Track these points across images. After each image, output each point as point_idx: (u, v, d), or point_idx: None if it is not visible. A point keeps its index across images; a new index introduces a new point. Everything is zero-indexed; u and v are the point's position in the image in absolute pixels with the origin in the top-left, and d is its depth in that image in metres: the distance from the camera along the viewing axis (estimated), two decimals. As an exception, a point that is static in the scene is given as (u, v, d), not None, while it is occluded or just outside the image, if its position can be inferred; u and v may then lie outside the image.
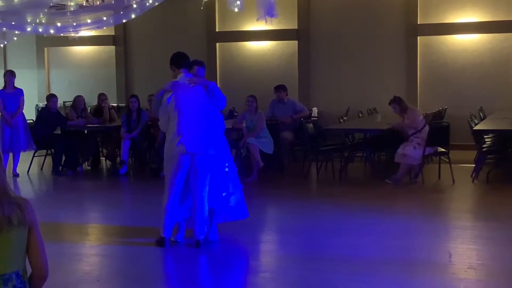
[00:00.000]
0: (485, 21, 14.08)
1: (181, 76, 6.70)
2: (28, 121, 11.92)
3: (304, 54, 15.36)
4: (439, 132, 10.26)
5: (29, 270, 2.84)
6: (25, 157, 11.95)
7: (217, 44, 16.01)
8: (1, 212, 2.68)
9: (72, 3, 12.02)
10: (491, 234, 7.11)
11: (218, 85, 15.93)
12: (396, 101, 10.37)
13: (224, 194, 6.75)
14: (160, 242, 6.59)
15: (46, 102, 12.41)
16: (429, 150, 10.16)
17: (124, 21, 13.30)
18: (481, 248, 6.63)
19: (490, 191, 9.65)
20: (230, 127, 11.65)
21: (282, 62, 15.62)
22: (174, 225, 6.64)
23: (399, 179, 10.05)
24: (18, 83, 11.80)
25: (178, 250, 6.52)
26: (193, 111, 6.56)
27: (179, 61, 6.79)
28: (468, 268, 5.82)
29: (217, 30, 15.97)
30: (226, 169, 6.79)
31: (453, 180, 10.07)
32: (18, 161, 11.62)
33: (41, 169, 12.24)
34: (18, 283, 2.74)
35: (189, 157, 6.51)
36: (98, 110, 12.84)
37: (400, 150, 10.12)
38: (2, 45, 15.67)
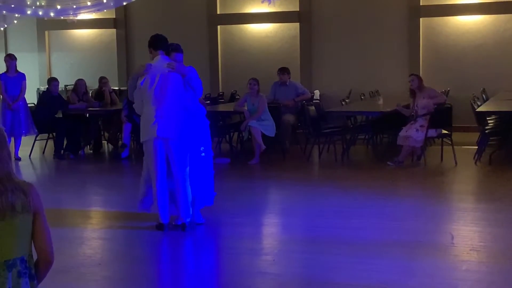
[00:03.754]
0: (488, 2, 13.99)
1: (157, 59, 6.60)
2: (29, 105, 11.89)
3: (305, 37, 15.28)
4: (442, 114, 10.22)
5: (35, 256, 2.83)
6: (27, 141, 11.94)
7: (218, 26, 15.93)
8: (5, 199, 2.66)
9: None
10: (494, 216, 7.10)
11: (219, 68, 16.02)
12: (417, 76, 10.46)
13: (197, 179, 6.70)
14: (160, 227, 6.58)
15: (47, 86, 12.38)
16: (432, 132, 10.13)
17: (124, 3, 13.27)
18: (483, 230, 6.62)
19: (492, 173, 9.62)
20: (232, 110, 11.65)
21: (284, 44, 15.55)
22: (168, 210, 6.61)
23: (401, 161, 10.03)
24: (19, 67, 11.76)
25: (178, 234, 6.51)
26: (166, 95, 6.47)
27: (156, 43, 6.66)
28: (470, 250, 5.81)
29: (218, 12, 15.89)
30: (203, 154, 6.74)
31: (456, 162, 10.04)
32: (20, 145, 11.61)
33: (43, 153, 12.23)
34: (23, 269, 2.73)
35: (163, 142, 6.48)
36: (99, 94, 12.81)
37: (402, 133, 10.09)
38: (2, 28, 15.64)
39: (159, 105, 6.47)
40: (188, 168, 6.57)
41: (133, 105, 6.87)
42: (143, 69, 6.57)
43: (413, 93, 10.34)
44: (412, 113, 10.25)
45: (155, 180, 6.54)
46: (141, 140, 6.70)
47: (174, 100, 6.51)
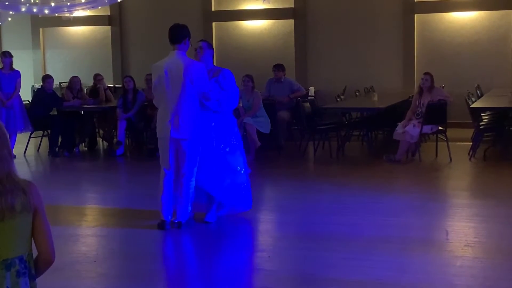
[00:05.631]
0: (482, -2, 14.01)
1: (172, 55, 6.52)
2: (24, 102, 11.86)
3: (300, 33, 15.28)
4: (436, 110, 10.23)
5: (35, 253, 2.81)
6: (21, 138, 11.91)
7: (213, 23, 15.91)
8: (4, 200, 2.62)
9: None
10: (488, 212, 7.12)
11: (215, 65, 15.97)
12: (431, 75, 10.32)
13: (225, 182, 6.65)
14: (161, 225, 6.53)
15: (41, 83, 12.34)
16: (427, 128, 10.13)
17: (119, 0, 13.24)
18: (478, 225, 6.63)
19: (487, 169, 9.64)
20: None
21: (279, 41, 15.54)
22: (172, 208, 6.60)
23: (398, 160, 10.00)
24: (13, 64, 11.71)
25: (175, 231, 6.50)
26: (180, 93, 6.38)
27: (170, 36, 6.56)
28: (465, 245, 5.82)
29: (213, 9, 15.87)
30: (227, 149, 6.71)
31: (450, 158, 10.06)
32: (15, 142, 11.56)
33: (38, 150, 12.21)
34: (22, 268, 2.71)
35: (175, 141, 6.46)
36: (94, 91, 12.80)
37: (399, 129, 10.11)
38: (-4, 26, 15.58)
39: (173, 104, 6.40)
40: (196, 168, 6.55)
41: (153, 100, 6.86)
42: (154, 68, 6.59)
43: (420, 91, 10.34)
44: (418, 112, 10.24)
45: (163, 176, 6.55)
46: (157, 136, 6.67)
47: (188, 99, 6.42)
